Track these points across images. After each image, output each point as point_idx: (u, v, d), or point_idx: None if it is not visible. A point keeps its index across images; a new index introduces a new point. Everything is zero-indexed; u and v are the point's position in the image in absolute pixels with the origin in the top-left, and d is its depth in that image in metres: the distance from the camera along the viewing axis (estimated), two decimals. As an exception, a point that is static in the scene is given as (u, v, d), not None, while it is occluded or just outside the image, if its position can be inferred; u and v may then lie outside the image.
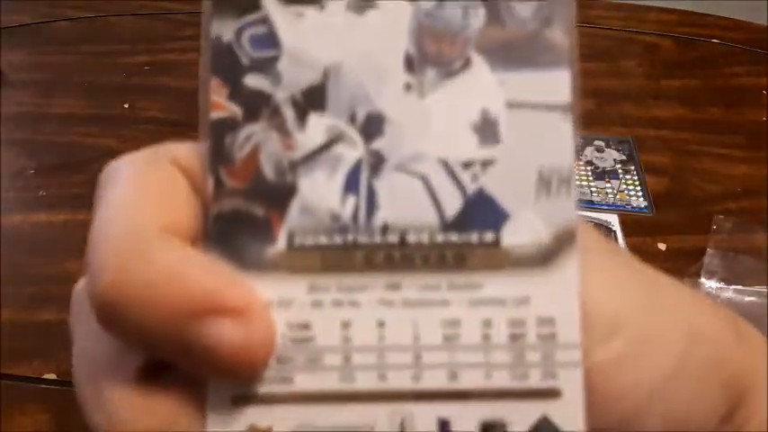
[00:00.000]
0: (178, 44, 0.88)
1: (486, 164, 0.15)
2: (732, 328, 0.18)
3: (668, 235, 0.65)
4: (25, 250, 0.62)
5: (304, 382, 0.14)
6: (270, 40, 0.15)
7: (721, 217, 0.65)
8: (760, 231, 0.64)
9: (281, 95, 0.15)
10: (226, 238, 0.15)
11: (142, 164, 0.16)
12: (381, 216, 0.15)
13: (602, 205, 0.68)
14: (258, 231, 0.15)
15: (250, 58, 0.15)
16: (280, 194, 0.15)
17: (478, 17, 0.15)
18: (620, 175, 0.72)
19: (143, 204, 0.14)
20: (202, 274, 0.14)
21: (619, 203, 0.68)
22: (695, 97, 0.82)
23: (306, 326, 0.14)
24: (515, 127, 0.15)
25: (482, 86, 0.15)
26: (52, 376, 0.53)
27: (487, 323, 0.14)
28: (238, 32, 0.15)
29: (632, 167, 0.73)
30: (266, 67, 0.15)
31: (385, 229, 0.15)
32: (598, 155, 0.74)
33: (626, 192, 0.70)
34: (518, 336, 0.14)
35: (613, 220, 0.66)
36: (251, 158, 0.15)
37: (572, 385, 0.14)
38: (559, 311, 0.14)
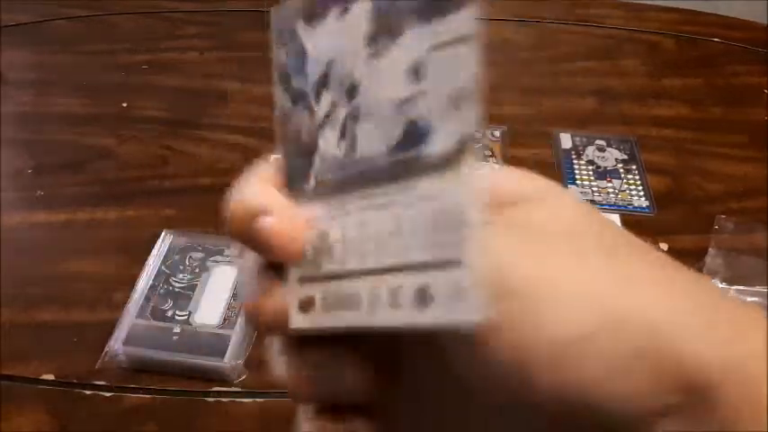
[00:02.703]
0: (177, 43, 0.88)
1: (418, 96, 0.19)
2: (705, 323, 0.18)
3: (670, 234, 0.64)
4: (24, 250, 0.62)
5: (326, 267, 0.21)
6: (301, 50, 0.22)
7: (723, 217, 0.65)
8: (762, 231, 0.64)
9: (308, 87, 0.22)
10: (290, 183, 0.23)
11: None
12: (359, 150, 0.21)
13: (603, 205, 0.68)
14: (303, 177, 0.23)
15: (292, 66, 0.23)
16: (309, 151, 0.22)
17: None
18: (622, 175, 0.71)
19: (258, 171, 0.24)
20: (256, 195, 0.22)
21: (620, 203, 0.68)
22: (697, 96, 0.82)
23: (325, 233, 0.21)
24: (435, 64, 0.19)
25: (412, 42, 0.19)
26: (50, 377, 0.53)
27: (420, 214, 0.19)
28: (287, 54, 0.23)
29: (634, 167, 0.72)
30: (300, 69, 0.23)
31: (361, 159, 0.21)
32: (600, 154, 0.74)
33: (627, 191, 0.69)
34: (439, 222, 0.19)
35: (615, 219, 0.65)
36: (298, 132, 0.23)
37: (476, 255, 0.18)
38: (464, 200, 0.18)
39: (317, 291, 0.21)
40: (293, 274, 0.22)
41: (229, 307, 0.56)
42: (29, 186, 0.69)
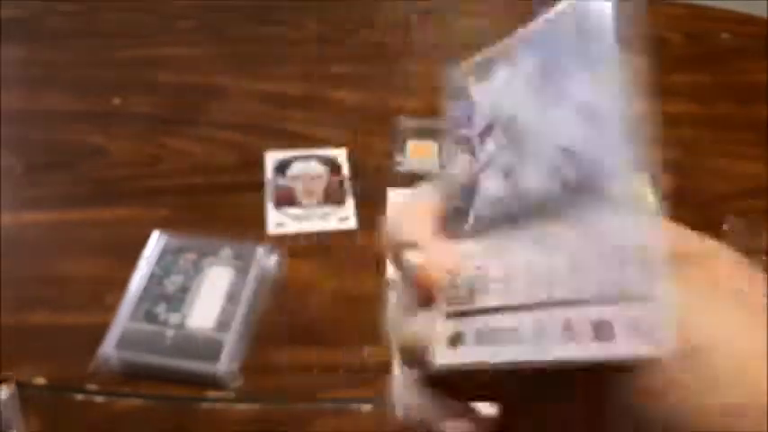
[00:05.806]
0: (171, 38, 0.87)
1: (589, 137, 0.20)
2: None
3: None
4: (14, 251, 0.61)
5: (480, 302, 0.22)
6: (470, 104, 0.25)
7: (733, 216, 0.64)
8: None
9: (474, 135, 0.24)
10: (450, 222, 0.25)
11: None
12: (524, 191, 0.22)
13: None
14: (462, 216, 0.24)
15: (461, 117, 0.25)
16: (470, 192, 0.24)
17: None
18: (629, 173, 0.70)
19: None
20: (409, 228, 0.24)
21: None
22: (706, 93, 0.81)
23: (481, 268, 0.23)
24: (603, 105, 0.20)
25: (578, 87, 0.21)
26: (41, 381, 0.52)
27: (597, 250, 0.19)
28: (457, 107, 0.25)
29: (641, 165, 0.71)
30: (468, 119, 0.25)
31: (526, 199, 0.22)
32: (606, 152, 0.73)
33: (635, 190, 0.68)
34: (620, 258, 0.18)
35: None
36: (460, 175, 0.25)
37: (664, 292, 0.18)
38: (648, 238, 0.18)
39: (467, 326, 0.22)
40: (440, 309, 0.23)
41: (224, 310, 0.55)
42: (19, 185, 0.68)
